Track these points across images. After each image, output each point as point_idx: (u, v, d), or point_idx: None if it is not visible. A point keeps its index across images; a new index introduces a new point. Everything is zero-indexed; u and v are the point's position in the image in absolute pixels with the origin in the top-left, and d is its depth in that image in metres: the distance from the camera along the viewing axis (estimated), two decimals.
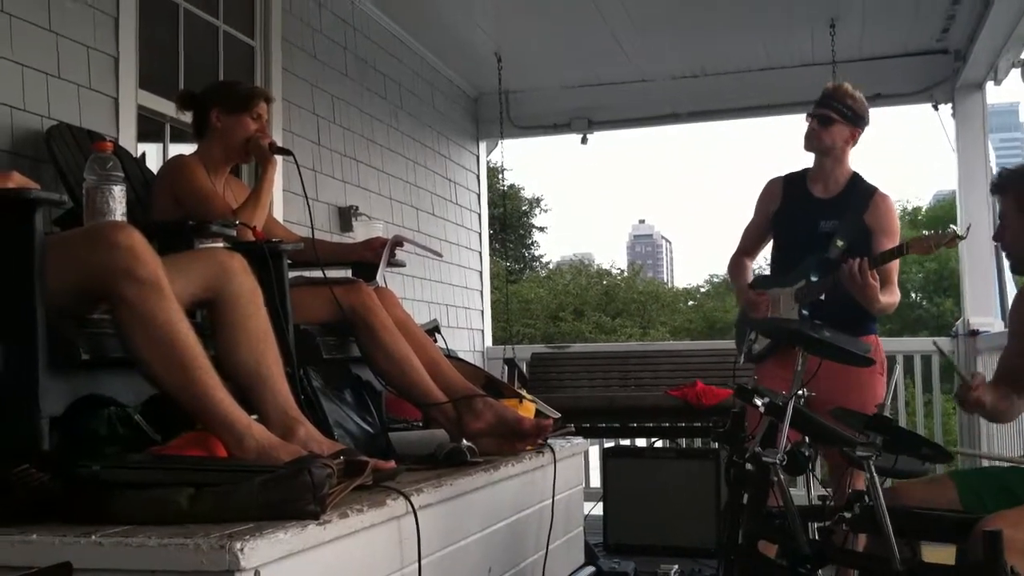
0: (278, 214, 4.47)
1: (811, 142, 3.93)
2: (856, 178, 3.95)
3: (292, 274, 3.12)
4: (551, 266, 42.16)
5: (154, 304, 2.09)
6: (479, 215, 7.74)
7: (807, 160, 4.03)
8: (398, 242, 3.68)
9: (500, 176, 10.09)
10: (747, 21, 6.24)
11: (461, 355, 5.15)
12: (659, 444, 6.46)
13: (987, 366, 5.66)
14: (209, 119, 3.37)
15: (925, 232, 3.65)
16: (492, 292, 8.02)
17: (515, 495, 2.95)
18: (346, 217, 5.46)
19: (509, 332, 10.02)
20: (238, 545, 1.62)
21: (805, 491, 3.78)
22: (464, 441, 2.83)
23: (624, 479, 5.50)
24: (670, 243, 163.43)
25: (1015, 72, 6.04)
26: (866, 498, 2.33)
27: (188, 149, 3.53)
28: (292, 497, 1.85)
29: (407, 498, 2.16)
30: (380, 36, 6.03)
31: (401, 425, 3.35)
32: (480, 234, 7.72)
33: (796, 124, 4.02)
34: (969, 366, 6.09)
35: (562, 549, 3.32)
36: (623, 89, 7.32)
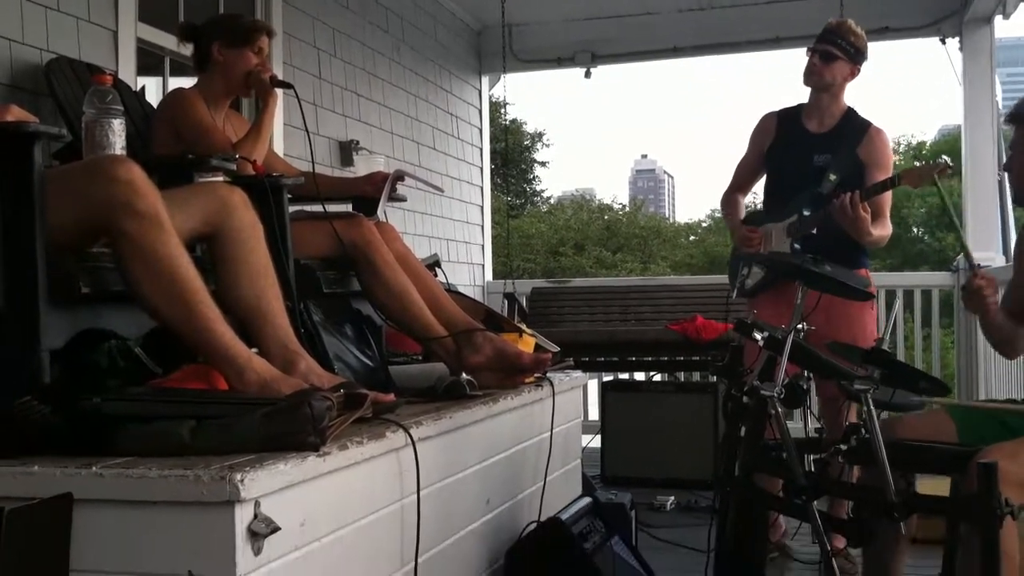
0: (279, 148, 4.45)
1: (811, 77, 3.92)
2: (851, 113, 3.96)
3: (292, 208, 3.11)
4: (552, 201, 42.11)
5: (154, 238, 2.09)
6: (481, 150, 7.70)
7: (805, 95, 4.01)
8: (399, 177, 3.66)
9: (502, 110, 10.04)
10: None
11: (461, 289, 5.16)
12: (658, 378, 6.50)
13: None
14: (210, 52, 3.35)
15: (916, 163, 3.65)
16: (493, 227, 8.00)
17: (514, 428, 2.98)
18: (347, 151, 5.44)
19: (509, 267, 10.02)
20: (238, 476, 1.63)
21: (802, 424, 3.84)
22: (464, 375, 2.84)
23: (622, 412, 5.55)
24: (672, 178, 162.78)
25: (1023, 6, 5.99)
26: (862, 430, 2.35)
27: (188, 83, 3.51)
28: (293, 429, 1.87)
29: (406, 430, 2.18)
30: None
31: (401, 359, 3.37)
32: (481, 169, 7.69)
33: (801, 58, 3.98)
34: None
35: (560, 481, 3.36)
36: (627, 22, 7.23)
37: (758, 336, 2.57)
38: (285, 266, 2.72)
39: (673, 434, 5.34)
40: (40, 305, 2.04)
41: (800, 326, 2.55)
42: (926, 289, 6.81)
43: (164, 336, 2.25)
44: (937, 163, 3.60)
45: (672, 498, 5.04)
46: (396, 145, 6.10)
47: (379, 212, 3.50)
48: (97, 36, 3.66)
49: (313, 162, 3.23)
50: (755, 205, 4.77)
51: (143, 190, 2.10)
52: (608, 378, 6.23)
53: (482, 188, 7.68)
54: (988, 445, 2.48)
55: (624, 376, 6.52)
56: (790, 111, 4.08)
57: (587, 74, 7.50)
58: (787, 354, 2.46)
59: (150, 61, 4.09)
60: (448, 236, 6.86)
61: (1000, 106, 6.70)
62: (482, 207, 7.65)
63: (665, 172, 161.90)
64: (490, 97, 8.29)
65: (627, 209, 42.49)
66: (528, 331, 3.45)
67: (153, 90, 4.10)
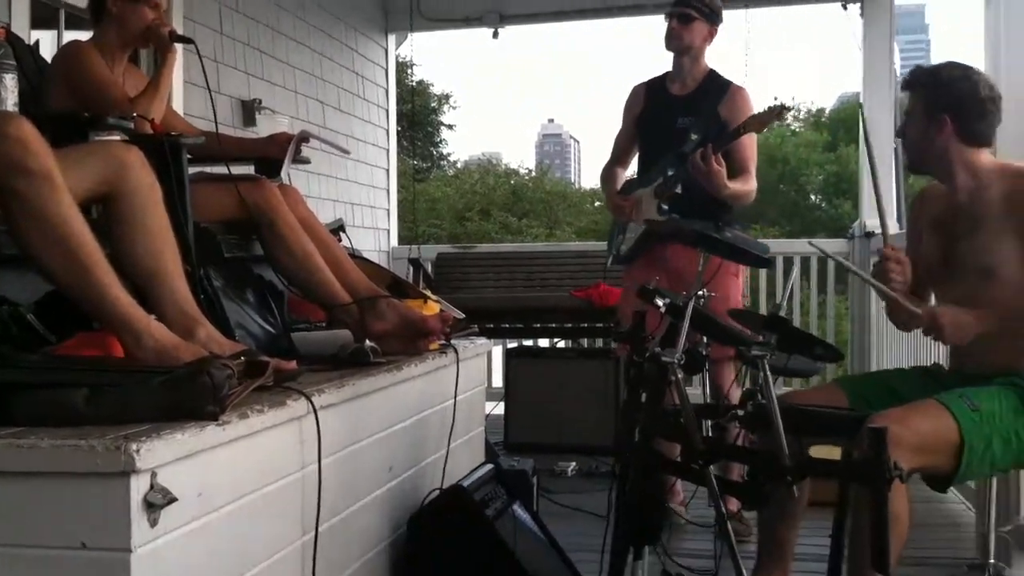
0: (178, 107, 4.34)
1: (672, 42, 4.05)
2: (712, 74, 4.11)
3: (192, 170, 3.03)
4: (459, 165, 41.91)
5: (47, 198, 2.02)
6: (387, 111, 7.62)
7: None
8: (304, 138, 3.59)
9: (409, 71, 9.93)
10: None
11: (366, 255, 5.13)
12: (562, 344, 6.56)
13: None
14: (105, 4, 3.24)
15: (756, 111, 3.82)
16: (399, 191, 7.95)
17: (418, 395, 2.97)
18: (249, 111, 5.34)
19: (415, 232, 9.99)
20: (134, 446, 1.60)
21: (700, 390, 3.91)
22: (368, 342, 2.82)
23: (526, 379, 5.59)
24: (578, 143, 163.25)
25: None
26: (759, 395, 2.40)
27: (85, 36, 3.39)
28: (191, 398, 1.83)
29: (308, 398, 2.16)
30: None
31: (304, 326, 3.32)
32: (388, 131, 7.62)
33: None
34: (865, 267, 6.25)
35: (463, 448, 3.37)
36: None
37: (660, 302, 2.61)
38: (184, 229, 2.66)
39: (576, 400, 5.39)
40: None
41: (700, 292, 2.59)
42: (822, 256, 6.97)
43: (58, 301, 2.19)
44: (775, 107, 3.79)
45: (573, 464, 5.10)
46: (300, 105, 6.00)
47: (283, 175, 3.43)
48: None
49: (216, 121, 3.16)
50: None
51: (35, 148, 2.02)
52: (512, 345, 6.26)
53: (388, 151, 7.61)
54: (877, 409, 2.57)
55: (528, 343, 6.56)
56: (656, 79, 4.21)
57: (495, 35, 7.46)
58: (688, 320, 2.50)
59: (45, 13, 3.95)
60: (353, 200, 6.79)
61: (898, 73, 6.86)
62: (388, 170, 7.58)
63: (572, 137, 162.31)
64: (397, 57, 8.21)
65: (533, 174, 42.50)
66: (433, 297, 3.44)
67: (48, 44, 3.96)
